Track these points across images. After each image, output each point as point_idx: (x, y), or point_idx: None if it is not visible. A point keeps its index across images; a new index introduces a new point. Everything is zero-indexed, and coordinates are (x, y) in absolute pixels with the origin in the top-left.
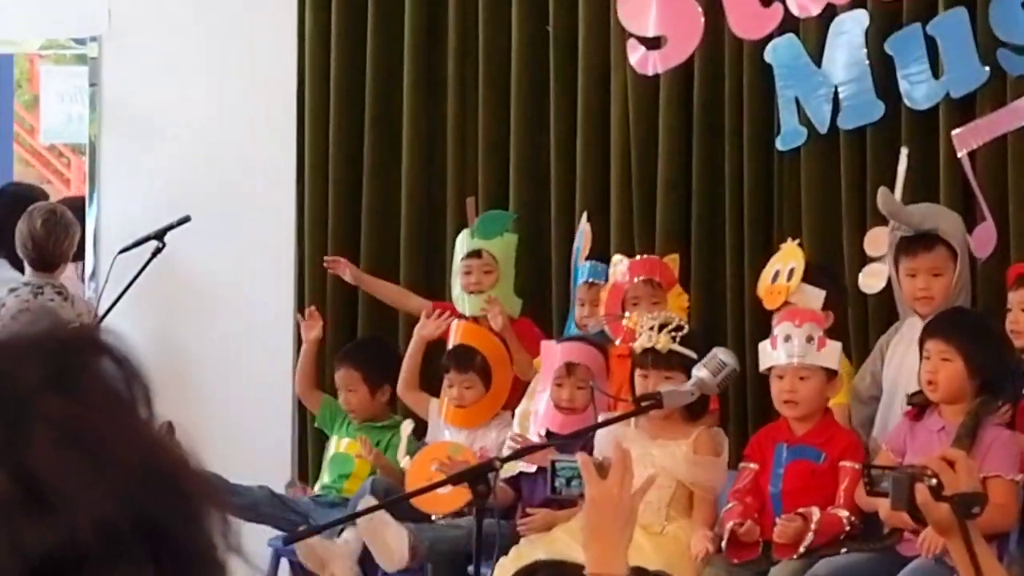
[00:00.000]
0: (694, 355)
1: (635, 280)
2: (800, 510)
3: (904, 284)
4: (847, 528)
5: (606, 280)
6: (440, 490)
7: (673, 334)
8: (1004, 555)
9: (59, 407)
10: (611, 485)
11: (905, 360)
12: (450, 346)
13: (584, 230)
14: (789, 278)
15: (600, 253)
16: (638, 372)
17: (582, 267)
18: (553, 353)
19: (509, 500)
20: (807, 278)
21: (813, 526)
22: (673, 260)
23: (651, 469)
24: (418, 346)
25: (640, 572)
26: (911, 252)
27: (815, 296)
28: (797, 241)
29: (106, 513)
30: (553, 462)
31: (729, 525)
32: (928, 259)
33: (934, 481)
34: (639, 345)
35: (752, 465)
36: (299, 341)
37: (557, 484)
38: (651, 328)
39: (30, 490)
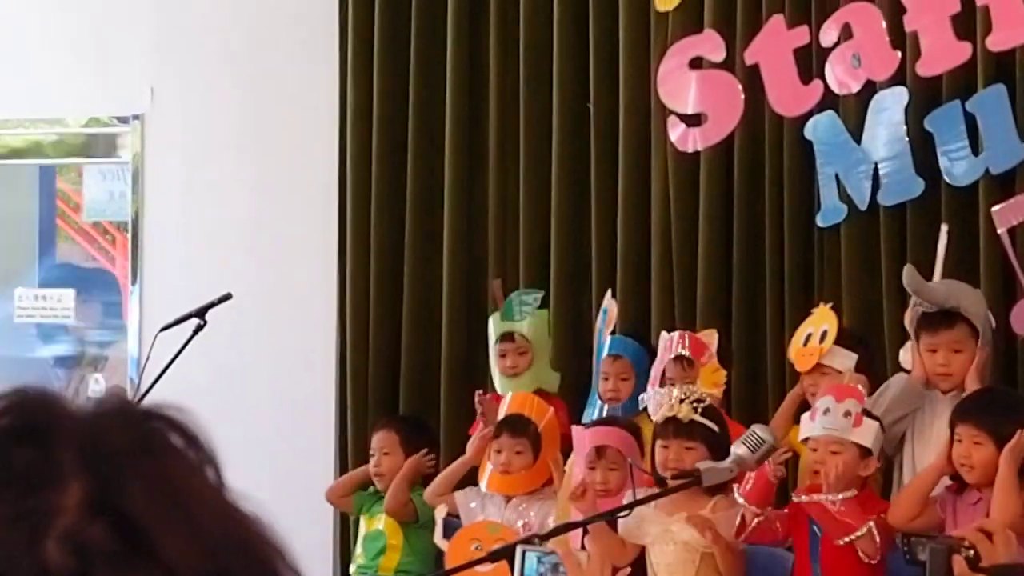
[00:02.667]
0: (715, 427)
1: (670, 357)
2: None
3: (925, 360)
4: (865, 531)
5: (634, 354)
6: (481, 568)
7: (695, 405)
8: None
9: (149, 468)
10: (592, 574)
11: (925, 435)
12: (502, 414)
13: (608, 306)
14: (822, 340)
15: (641, 329)
16: (659, 443)
17: (607, 340)
18: (583, 438)
19: None
20: (839, 341)
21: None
22: (710, 335)
23: (671, 546)
24: (465, 463)
25: None
26: (932, 328)
27: (847, 358)
28: (830, 304)
29: (198, 570)
30: (525, 551)
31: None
32: (949, 335)
33: (971, 552)
34: (660, 416)
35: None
36: (342, 423)
37: (543, 571)
38: (675, 399)
39: (132, 541)
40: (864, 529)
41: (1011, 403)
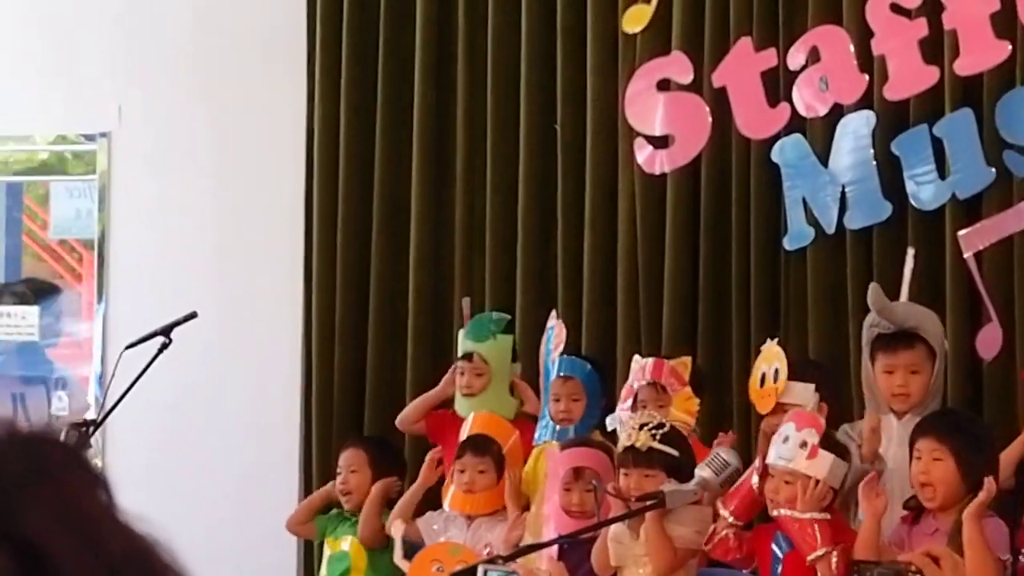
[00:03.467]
0: (675, 453)
1: (643, 383)
2: None
3: (881, 380)
4: (822, 552)
5: (584, 376)
6: None
7: (653, 432)
8: None
9: (45, 493)
10: None
11: (885, 456)
12: (465, 435)
13: (554, 325)
14: (776, 379)
15: (606, 351)
16: (621, 471)
17: (556, 361)
18: (559, 459)
19: None
20: (791, 375)
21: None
22: (684, 364)
23: (641, 570)
24: (421, 485)
25: None
26: (891, 349)
27: (804, 390)
28: (776, 340)
29: None
30: (486, 571)
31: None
32: (908, 356)
33: None
34: (620, 444)
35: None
36: (307, 441)
37: None
38: (632, 427)
39: (34, 566)
40: (833, 552)
41: (972, 427)
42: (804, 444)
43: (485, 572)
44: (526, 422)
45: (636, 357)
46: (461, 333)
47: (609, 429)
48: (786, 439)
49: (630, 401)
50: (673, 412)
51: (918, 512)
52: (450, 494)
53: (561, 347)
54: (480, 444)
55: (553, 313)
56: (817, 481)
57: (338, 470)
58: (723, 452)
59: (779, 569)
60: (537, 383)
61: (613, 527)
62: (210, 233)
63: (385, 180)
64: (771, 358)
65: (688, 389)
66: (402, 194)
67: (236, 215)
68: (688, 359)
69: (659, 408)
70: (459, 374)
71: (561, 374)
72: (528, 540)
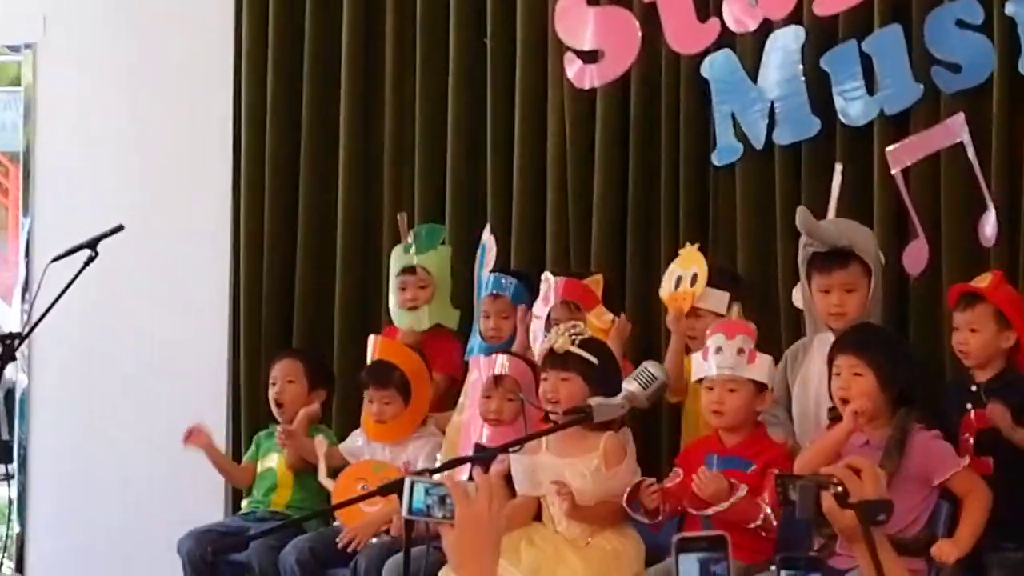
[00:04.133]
0: (593, 359)
1: (555, 301)
2: (732, 480)
3: (817, 300)
4: (759, 522)
5: (515, 293)
6: (367, 506)
7: (572, 336)
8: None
9: None
10: (481, 507)
11: (819, 375)
12: (368, 361)
13: (488, 242)
14: (693, 283)
15: (536, 268)
16: (542, 376)
17: (486, 279)
18: (481, 366)
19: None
20: (710, 281)
21: (733, 498)
22: (596, 281)
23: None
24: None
25: None
26: (825, 268)
27: (720, 298)
28: (696, 245)
29: None
30: (413, 482)
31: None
32: (843, 275)
33: (840, 488)
34: (541, 349)
35: (679, 471)
36: (235, 358)
37: (429, 503)
38: (556, 332)
39: None
40: (760, 518)
41: (891, 340)
42: (741, 351)
43: (412, 484)
44: (457, 343)
45: (545, 275)
46: (397, 248)
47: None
48: (719, 349)
49: (543, 319)
50: (576, 323)
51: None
52: (363, 421)
53: (492, 264)
54: (380, 375)
55: (487, 229)
56: (764, 386)
57: (272, 381)
58: (651, 366)
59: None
60: (469, 299)
61: (532, 458)
62: (137, 146)
63: (314, 97)
64: (689, 262)
65: (601, 306)
66: (331, 111)
67: (163, 128)
68: (600, 276)
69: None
70: (400, 289)
71: (491, 292)
72: (446, 447)
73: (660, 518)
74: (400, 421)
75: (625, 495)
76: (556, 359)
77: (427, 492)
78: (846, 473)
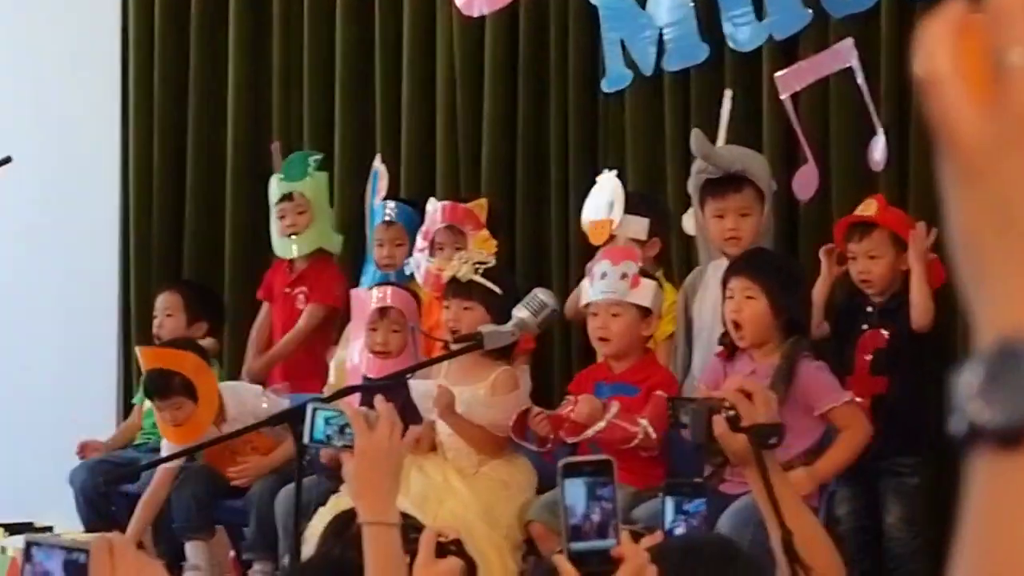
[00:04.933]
0: (497, 288)
1: (439, 226)
2: (603, 401)
3: (711, 225)
4: (639, 438)
5: (408, 220)
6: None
7: (476, 265)
8: (823, 490)
9: None
10: (381, 436)
11: (714, 301)
12: (143, 373)
13: (379, 170)
14: (611, 212)
15: (426, 195)
16: (443, 304)
17: (378, 207)
18: (364, 299)
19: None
20: (628, 208)
21: (609, 414)
22: (480, 205)
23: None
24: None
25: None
26: (719, 193)
27: (639, 224)
28: (615, 172)
29: None
30: (315, 409)
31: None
32: (737, 200)
33: (732, 412)
34: (445, 276)
35: (572, 397)
36: (125, 288)
37: (329, 432)
38: (459, 260)
39: None
40: (640, 434)
41: (785, 266)
42: (624, 276)
43: (313, 412)
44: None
45: (431, 200)
46: (274, 178)
47: (407, 273)
48: (604, 275)
49: (427, 245)
50: (480, 251)
51: (732, 350)
52: (161, 430)
53: (384, 193)
54: (161, 386)
55: (378, 158)
56: (649, 311)
57: (155, 314)
58: (541, 293)
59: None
60: (359, 227)
61: (421, 378)
62: (24, 77)
63: (202, 22)
64: (607, 190)
65: (485, 231)
66: (219, 38)
67: (52, 58)
68: (484, 200)
69: (456, 251)
70: (279, 217)
71: (384, 220)
72: (334, 383)
73: (550, 446)
74: (196, 418)
75: (512, 422)
76: (459, 288)
77: (327, 421)
78: (738, 396)
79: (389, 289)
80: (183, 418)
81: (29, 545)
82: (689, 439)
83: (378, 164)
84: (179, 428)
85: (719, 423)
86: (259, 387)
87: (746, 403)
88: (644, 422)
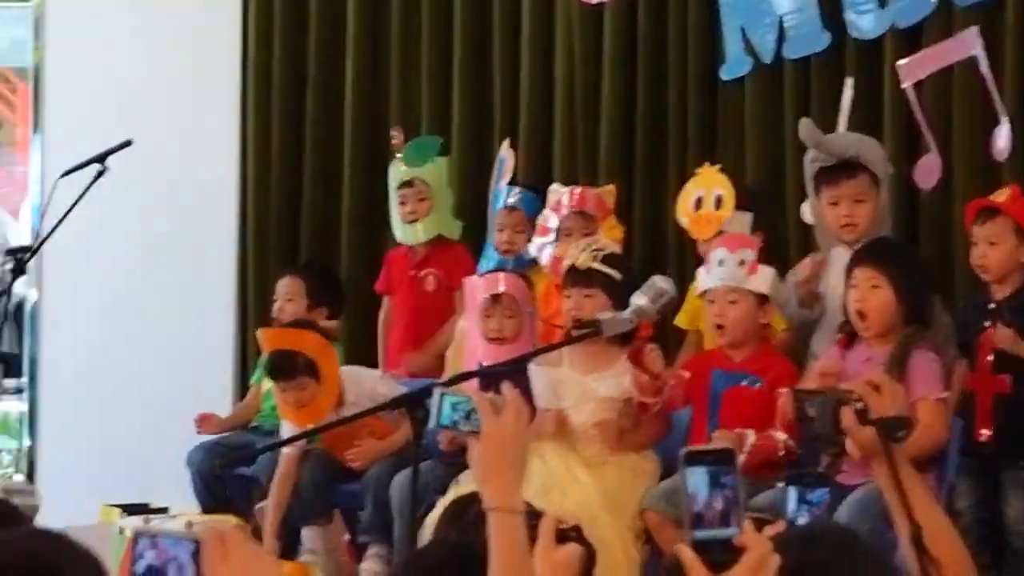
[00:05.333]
0: (617, 275)
1: (568, 212)
2: (736, 431)
3: (827, 213)
4: (782, 452)
5: (530, 206)
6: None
7: (595, 252)
8: (943, 483)
9: None
10: (507, 421)
11: (835, 289)
12: (263, 356)
13: (505, 155)
14: (718, 206)
15: (543, 180)
16: (564, 293)
17: (502, 191)
18: (477, 287)
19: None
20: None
21: (747, 448)
22: (609, 192)
23: (591, 404)
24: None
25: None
26: (833, 180)
27: (744, 220)
28: (718, 166)
29: None
30: (442, 394)
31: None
32: (851, 186)
33: (859, 405)
34: (565, 265)
35: (685, 372)
36: (242, 269)
37: (455, 418)
38: (576, 248)
39: None
40: (781, 448)
41: (909, 256)
42: (742, 263)
43: (441, 397)
44: (463, 248)
45: (553, 187)
46: (394, 163)
47: (527, 259)
48: (721, 262)
49: (553, 232)
50: (597, 239)
51: (851, 338)
52: (282, 412)
53: (508, 177)
54: (285, 367)
55: (505, 143)
56: (766, 299)
57: (274, 297)
58: (660, 280)
59: (716, 410)
60: (478, 210)
61: (552, 372)
62: (146, 61)
63: (322, 7)
64: (711, 182)
65: (614, 218)
66: (339, 23)
67: (172, 43)
68: (613, 187)
69: (585, 236)
70: (399, 203)
71: (507, 205)
72: (451, 370)
73: (662, 390)
74: (320, 399)
75: (628, 353)
76: (579, 276)
77: (454, 406)
78: (866, 389)
79: (501, 275)
80: (307, 399)
81: (137, 535)
82: (815, 432)
83: (505, 149)
84: (302, 410)
85: (847, 416)
86: (378, 371)
87: (875, 396)
88: (782, 437)
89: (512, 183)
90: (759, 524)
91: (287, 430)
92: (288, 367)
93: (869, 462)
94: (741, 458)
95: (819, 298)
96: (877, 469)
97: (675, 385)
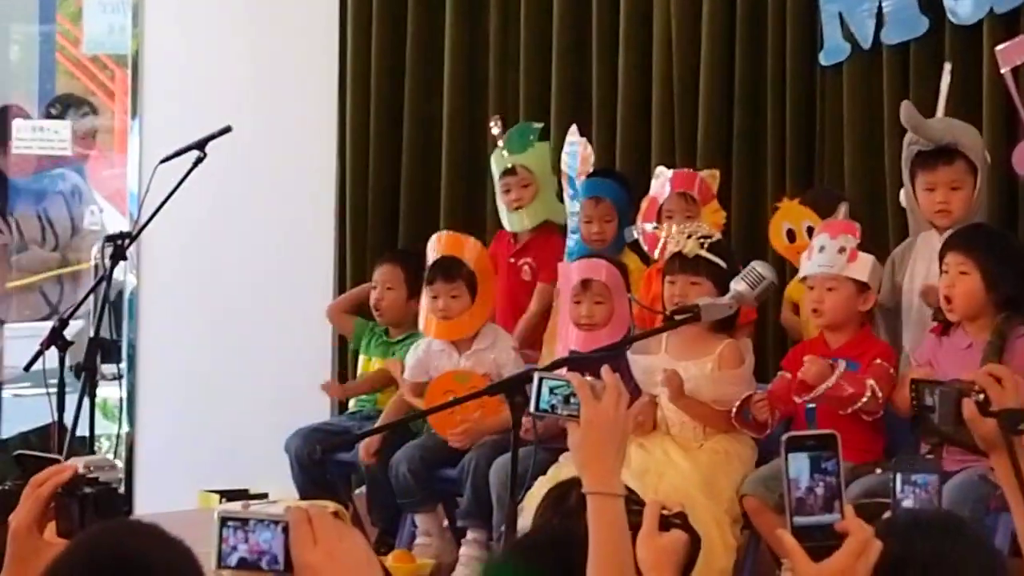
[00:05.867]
0: (722, 263)
1: (671, 193)
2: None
3: (922, 198)
4: (868, 395)
5: (615, 195)
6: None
7: (702, 240)
8: None
9: None
10: (607, 406)
11: (922, 274)
12: (432, 258)
13: (578, 143)
14: (810, 235)
15: (641, 168)
16: (667, 279)
17: (584, 183)
18: (569, 272)
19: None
20: (819, 206)
21: (835, 374)
22: (713, 176)
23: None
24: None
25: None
26: (930, 166)
27: (841, 211)
28: (797, 199)
29: None
30: (541, 379)
31: (749, 395)
32: (947, 172)
33: (981, 396)
34: (668, 251)
35: (786, 374)
36: (341, 257)
37: (554, 402)
38: (681, 235)
39: None
40: (867, 396)
41: (1002, 242)
42: (843, 250)
43: (540, 381)
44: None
45: (659, 169)
46: (496, 152)
47: (628, 240)
48: (822, 248)
49: (654, 212)
50: (701, 225)
51: (947, 325)
52: (425, 323)
53: (588, 166)
54: (449, 268)
55: (573, 128)
56: (866, 286)
57: (373, 284)
58: (759, 266)
59: (814, 411)
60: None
61: (650, 360)
62: (245, 49)
63: None
64: (797, 216)
65: (716, 202)
66: (437, 11)
67: (271, 31)
68: (717, 172)
69: (687, 219)
70: (504, 192)
71: (593, 196)
72: (545, 355)
73: (768, 431)
74: (468, 316)
75: (734, 410)
76: (686, 263)
77: (552, 391)
78: (988, 380)
79: (591, 261)
80: (454, 311)
81: (224, 520)
82: (936, 422)
83: (574, 135)
84: (446, 322)
85: (969, 407)
86: (514, 341)
87: (996, 387)
88: (871, 382)
89: (598, 172)
90: (875, 508)
91: (424, 339)
92: (453, 268)
93: (989, 454)
94: (830, 381)
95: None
96: (997, 461)
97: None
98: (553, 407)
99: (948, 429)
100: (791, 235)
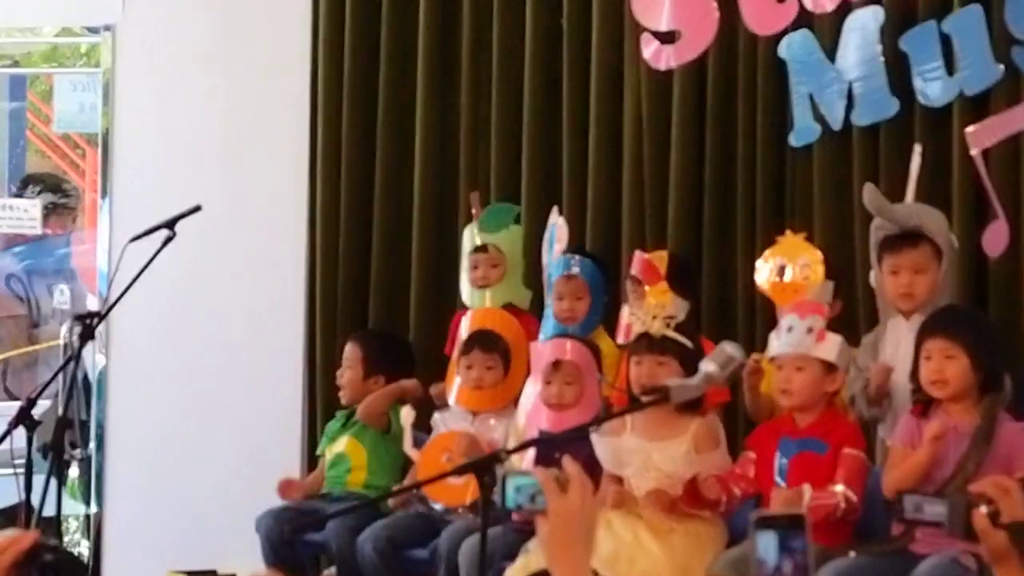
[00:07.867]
0: (688, 343)
1: (628, 276)
2: (794, 488)
3: (887, 281)
4: (843, 507)
5: (589, 274)
6: (453, 480)
7: (667, 320)
8: None
9: None
10: (573, 499)
11: (895, 359)
12: (466, 332)
13: (556, 223)
14: (805, 275)
15: (611, 247)
16: (632, 360)
17: (558, 260)
18: (541, 352)
19: None
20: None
21: (805, 504)
22: (660, 257)
23: (653, 472)
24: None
25: None
26: (895, 249)
27: (827, 288)
28: (803, 234)
29: None
30: (505, 477)
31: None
32: (912, 256)
33: (991, 508)
34: (634, 332)
35: (751, 454)
36: (311, 335)
37: (520, 501)
38: (647, 315)
39: None
40: (841, 502)
41: (980, 322)
42: (811, 330)
43: (505, 479)
44: (531, 317)
45: (638, 253)
46: (470, 227)
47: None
48: (790, 329)
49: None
50: (666, 306)
51: (926, 405)
52: (456, 390)
53: (564, 245)
54: (488, 340)
55: (555, 210)
56: (834, 367)
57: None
58: (728, 346)
59: (785, 463)
60: (537, 280)
61: (615, 441)
62: (215, 127)
63: (391, 74)
64: (795, 251)
65: (664, 283)
66: (408, 88)
67: (241, 109)
68: (665, 252)
69: (638, 300)
70: (472, 267)
71: (565, 273)
72: (513, 437)
73: (722, 509)
74: (498, 390)
75: (682, 490)
76: (653, 343)
77: (518, 489)
78: (998, 491)
79: (562, 341)
80: (487, 383)
81: None
82: (947, 531)
83: (555, 217)
84: (478, 392)
85: (980, 518)
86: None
87: (1008, 499)
88: (840, 488)
89: (572, 250)
90: None
91: (452, 412)
92: (491, 340)
93: (994, 566)
94: (802, 510)
95: (888, 395)
96: (1005, 573)
97: (742, 494)
98: (519, 505)
99: (957, 537)
100: (782, 272)
